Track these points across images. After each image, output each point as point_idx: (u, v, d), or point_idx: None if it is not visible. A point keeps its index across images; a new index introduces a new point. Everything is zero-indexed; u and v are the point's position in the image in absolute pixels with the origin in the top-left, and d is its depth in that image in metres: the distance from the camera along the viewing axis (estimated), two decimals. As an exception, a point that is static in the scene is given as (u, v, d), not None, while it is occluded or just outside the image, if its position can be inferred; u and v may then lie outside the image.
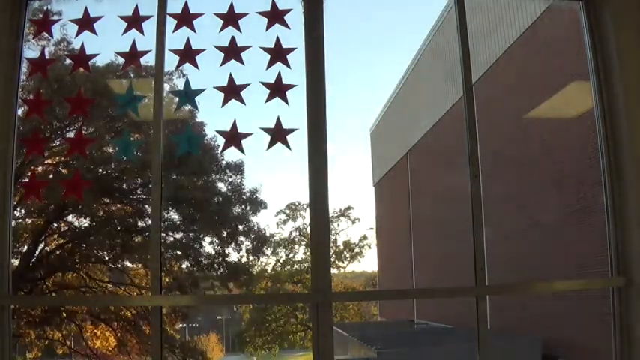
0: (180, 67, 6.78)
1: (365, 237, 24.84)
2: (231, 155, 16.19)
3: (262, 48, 2.57)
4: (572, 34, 8.48)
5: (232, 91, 2.52)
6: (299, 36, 2.57)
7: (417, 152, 19.27)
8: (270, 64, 2.57)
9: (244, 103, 2.51)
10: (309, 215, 2.48)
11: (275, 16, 2.60)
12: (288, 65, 2.56)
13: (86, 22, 2.60)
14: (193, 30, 2.59)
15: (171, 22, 2.58)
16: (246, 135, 2.52)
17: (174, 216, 11.62)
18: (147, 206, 11.38)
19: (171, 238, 11.52)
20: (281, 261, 21.83)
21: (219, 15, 2.60)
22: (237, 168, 12.24)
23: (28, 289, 10.77)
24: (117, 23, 2.61)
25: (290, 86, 2.55)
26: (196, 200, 10.65)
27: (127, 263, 13.16)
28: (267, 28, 2.61)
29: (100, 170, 11.83)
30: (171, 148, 2.87)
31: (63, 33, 10.80)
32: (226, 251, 13.43)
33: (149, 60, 2.59)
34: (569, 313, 9.43)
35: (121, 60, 2.62)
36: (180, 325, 16.39)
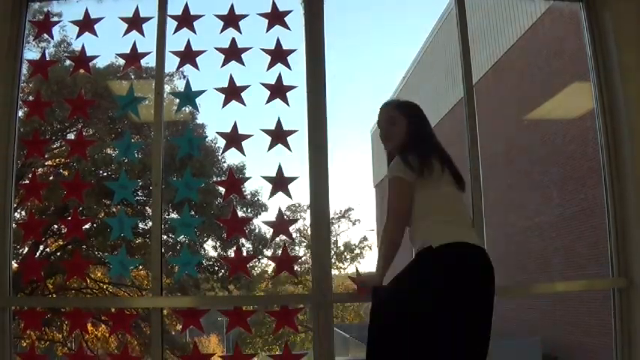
0: (181, 69, 6.77)
1: (365, 238, 24.83)
2: (232, 157, 16.17)
3: (263, 49, 2.57)
4: (573, 34, 8.49)
5: (233, 92, 2.52)
6: (299, 37, 2.58)
7: (417, 153, 19.24)
8: (271, 65, 2.57)
9: (245, 105, 2.52)
10: (309, 216, 2.47)
11: (275, 17, 2.60)
12: (288, 66, 2.56)
13: (87, 24, 2.60)
14: (194, 31, 2.59)
15: (171, 24, 2.58)
16: (247, 136, 2.52)
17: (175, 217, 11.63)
18: (147, 208, 11.37)
19: (172, 240, 11.50)
20: (282, 262, 21.72)
21: (219, 16, 2.60)
22: (239, 170, 12.24)
23: (28, 290, 10.77)
24: (117, 25, 2.61)
25: (290, 87, 2.54)
26: (197, 202, 10.62)
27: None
28: (268, 29, 2.61)
29: (101, 172, 11.82)
30: (172, 150, 2.87)
31: (63, 34, 10.79)
32: (228, 253, 13.43)
33: (149, 61, 2.59)
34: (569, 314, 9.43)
35: (122, 61, 2.62)
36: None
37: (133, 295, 11.48)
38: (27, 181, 2.64)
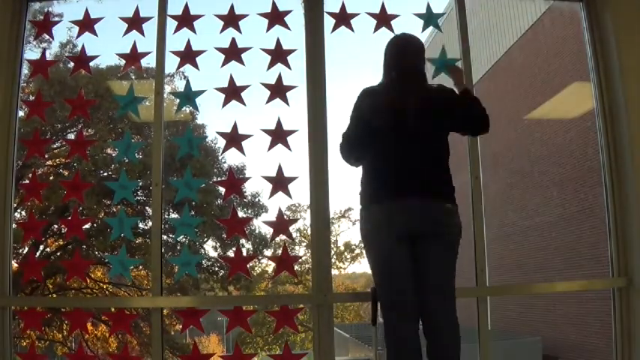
0: (181, 69, 6.76)
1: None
2: (232, 157, 16.13)
3: (263, 49, 2.57)
4: (573, 34, 8.49)
5: (233, 92, 2.52)
6: (299, 37, 2.58)
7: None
8: (271, 65, 2.57)
9: (245, 105, 2.52)
10: (309, 216, 2.47)
11: (275, 17, 2.60)
12: (288, 66, 2.56)
13: (87, 24, 2.60)
14: (194, 31, 2.59)
15: (171, 24, 2.58)
16: (247, 136, 2.52)
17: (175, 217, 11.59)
18: (147, 208, 11.36)
19: (172, 240, 11.49)
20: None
21: (219, 16, 2.60)
22: (239, 171, 12.23)
23: (28, 290, 10.76)
24: (117, 25, 2.61)
25: (290, 87, 2.54)
26: (197, 202, 10.61)
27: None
28: (268, 29, 2.61)
29: (102, 172, 11.80)
30: (172, 150, 2.86)
31: (70, 35, 10.76)
32: (228, 253, 13.41)
33: (150, 61, 2.59)
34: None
35: (122, 61, 2.62)
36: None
37: (133, 295, 11.47)
38: (27, 181, 2.64)
